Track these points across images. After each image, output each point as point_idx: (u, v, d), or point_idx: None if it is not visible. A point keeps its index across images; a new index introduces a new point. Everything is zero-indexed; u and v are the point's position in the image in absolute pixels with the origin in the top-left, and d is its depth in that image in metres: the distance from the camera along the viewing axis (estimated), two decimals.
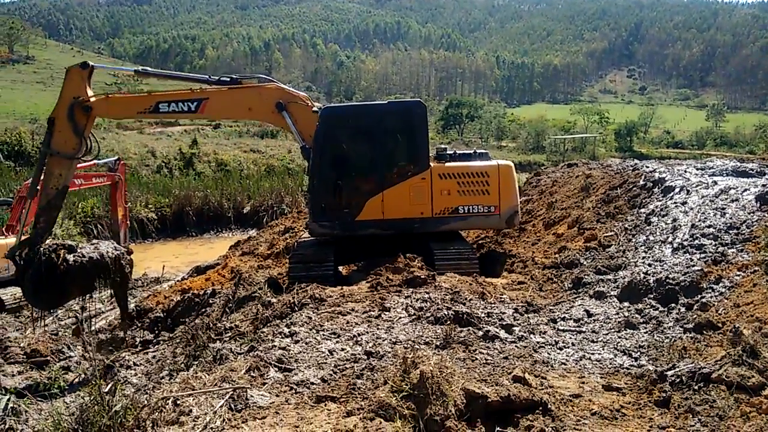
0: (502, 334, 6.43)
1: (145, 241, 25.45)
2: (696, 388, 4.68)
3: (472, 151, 11.46)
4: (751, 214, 7.96)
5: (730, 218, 8.07)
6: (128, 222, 14.25)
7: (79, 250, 9.27)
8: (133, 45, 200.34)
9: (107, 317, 11.80)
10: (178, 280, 14.31)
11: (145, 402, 4.63)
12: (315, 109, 10.28)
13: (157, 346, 8.96)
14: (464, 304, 7.19)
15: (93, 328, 10.38)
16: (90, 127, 9.77)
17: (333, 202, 10.12)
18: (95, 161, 14.30)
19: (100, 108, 9.97)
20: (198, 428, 4.27)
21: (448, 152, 10.85)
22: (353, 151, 10.44)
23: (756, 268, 6.55)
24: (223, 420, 4.41)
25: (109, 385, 4.74)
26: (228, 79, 10.51)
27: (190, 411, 4.49)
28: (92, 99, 9.71)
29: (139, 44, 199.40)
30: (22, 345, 9.09)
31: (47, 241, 9.41)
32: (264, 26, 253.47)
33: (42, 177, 9.60)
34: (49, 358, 8.91)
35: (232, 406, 4.62)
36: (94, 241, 10.47)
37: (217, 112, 11.20)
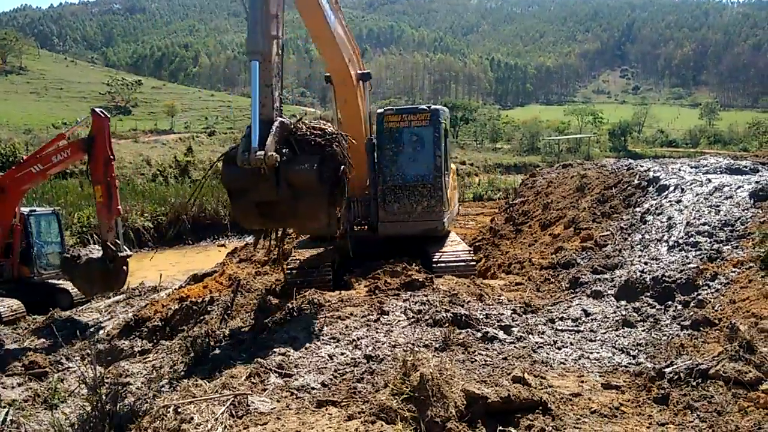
0: (501, 335, 6.45)
1: (141, 250, 25.39)
2: (694, 384, 4.71)
3: None
4: (745, 211, 8.02)
5: (725, 215, 8.12)
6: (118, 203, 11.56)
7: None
8: (127, 54, 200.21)
9: (105, 327, 11.77)
10: (175, 289, 14.29)
11: (146, 410, 4.63)
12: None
13: (156, 355, 8.94)
14: (462, 306, 7.21)
15: (92, 338, 10.34)
16: None
17: (444, 198, 10.49)
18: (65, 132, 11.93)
19: None
20: None
21: None
22: (447, 151, 10.84)
23: (751, 264, 6.60)
24: (225, 427, 4.42)
25: (110, 395, 4.75)
26: None
27: (192, 418, 4.50)
28: None
29: (132, 53, 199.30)
30: (20, 356, 9.07)
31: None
32: None
33: None
34: (47, 369, 8.89)
35: (234, 412, 4.63)
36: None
37: (337, 40, 9.39)
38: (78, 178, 34.92)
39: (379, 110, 10.37)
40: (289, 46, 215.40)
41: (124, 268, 11.79)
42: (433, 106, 10.83)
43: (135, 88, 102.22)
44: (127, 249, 11.87)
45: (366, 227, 10.79)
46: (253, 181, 6.50)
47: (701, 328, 5.88)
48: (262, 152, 6.28)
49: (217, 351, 6.71)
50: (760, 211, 7.86)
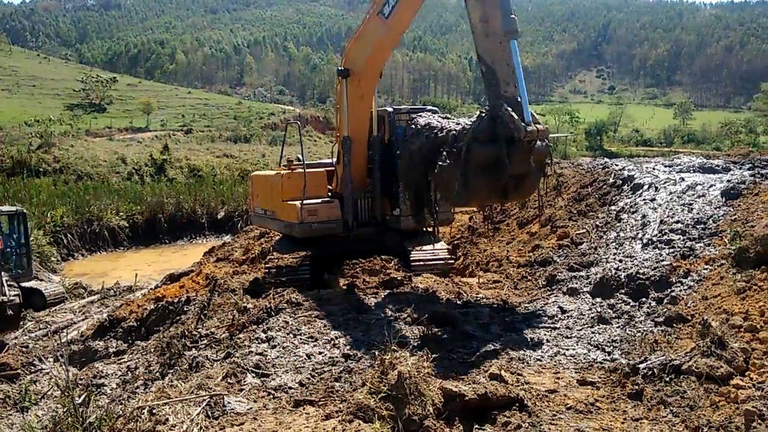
0: (479, 332, 6.49)
1: (116, 249, 25.04)
2: (667, 379, 4.78)
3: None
4: (717, 209, 8.15)
5: (697, 213, 8.26)
6: None
7: None
8: (102, 51, 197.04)
9: (79, 328, 11.58)
10: (151, 289, 14.12)
11: (120, 412, 4.56)
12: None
13: (131, 356, 8.82)
14: (441, 304, 7.23)
15: (65, 339, 10.17)
16: None
17: None
18: None
19: None
20: None
21: None
22: None
23: (722, 262, 6.71)
24: (201, 428, 4.37)
25: (83, 396, 4.66)
26: None
27: (167, 420, 4.44)
28: None
29: (107, 50, 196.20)
30: None
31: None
32: (235, 30, 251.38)
33: None
34: (19, 371, 8.72)
35: (209, 413, 4.59)
36: None
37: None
38: (51, 176, 34.30)
39: (389, 109, 10.41)
40: (267, 44, 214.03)
41: (9, 312, 11.20)
42: (429, 107, 10.82)
43: (110, 86, 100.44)
44: (6, 294, 11.25)
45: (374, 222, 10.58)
46: (514, 155, 6.76)
47: (674, 325, 5.97)
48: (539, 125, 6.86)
49: (194, 351, 6.63)
50: (732, 209, 8.00)
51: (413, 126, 8.09)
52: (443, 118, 8.39)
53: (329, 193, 10.02)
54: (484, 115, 7.09)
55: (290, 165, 10.28)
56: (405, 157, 8.07)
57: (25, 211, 14.99)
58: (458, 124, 7.55)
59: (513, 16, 7.13)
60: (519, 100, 6.92)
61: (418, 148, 7.68)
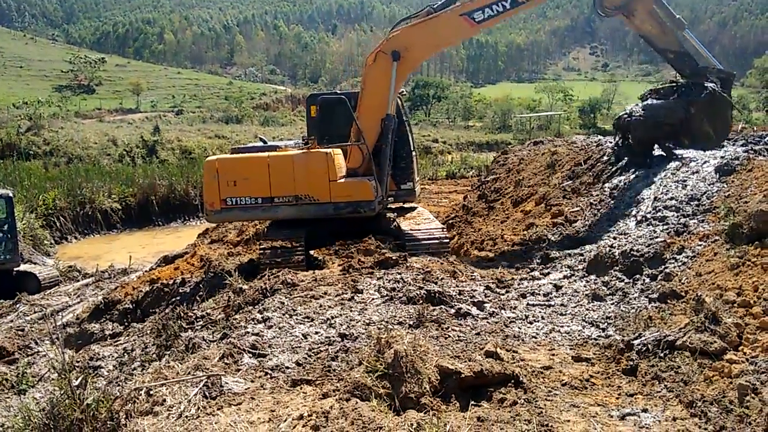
0: (474, 310, 6.51)
1: (109, 232, 24.94)
2: (661, 355, 4.83)
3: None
4: (711, 186, 8.17)
5: (691, 190, 8.28)
6: None
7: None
8: (90, 30, 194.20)
9: (74, 310, 11.57)
10: (146, 271, 14.09)
11: (118, 394, 4.57)
12: None
13: (127, 338, 8.82)
14: (436, 283, 7.25)
15: (60, 322, 10.16)
16: None
17: None
18: None
19: None
20: (173, 417, 4.24)
21: None
22: None
23: (716, 238, 6.74)
24: (198, 408, 4.38)
25: (80, 379, 4.66)
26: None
27: (164, 401, 4.46)
28: None
29: (95, 30, 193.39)
30: None
31: None
32: (224, 8, 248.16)
33: None
34: (16, 354, 8.72)
35: (207, 393, 4.60)
36: None
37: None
38: (42, 159, 34.01)
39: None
40: (257, 23, 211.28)
41: None
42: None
43: (98, 66, 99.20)
44: None
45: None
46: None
47: (668, 301, 6.01)
48: None
49: (190, 332, 6.64)
50: (725, 186, 8.02)
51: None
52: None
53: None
54: (689, 81, 10.13)
55: (314, 144, 10.13)
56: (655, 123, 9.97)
57: (11, 194, 14.74)
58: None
59: (678, 16, 9.97)
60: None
61: (684, 111, 9.89)
